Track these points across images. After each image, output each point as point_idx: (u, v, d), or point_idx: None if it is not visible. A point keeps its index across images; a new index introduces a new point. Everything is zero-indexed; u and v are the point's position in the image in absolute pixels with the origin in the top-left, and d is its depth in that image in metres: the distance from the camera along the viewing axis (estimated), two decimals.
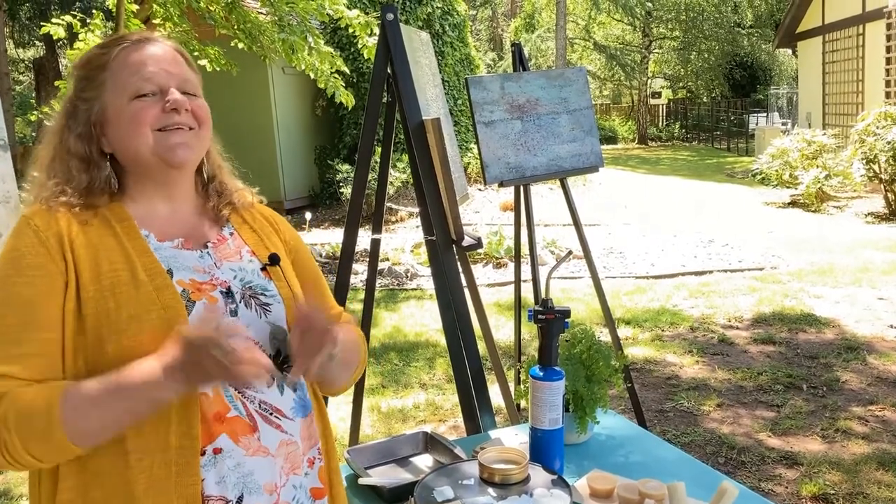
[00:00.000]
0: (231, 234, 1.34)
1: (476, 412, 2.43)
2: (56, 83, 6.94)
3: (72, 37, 6.55)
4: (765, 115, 21.65)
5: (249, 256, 1.32)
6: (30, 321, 1.13)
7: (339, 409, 4.04)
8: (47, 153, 1.26)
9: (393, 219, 10.41)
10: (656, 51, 28.26)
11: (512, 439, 1.92)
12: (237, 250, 1.32)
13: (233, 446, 1.17)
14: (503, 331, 5.53)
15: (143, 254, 1.20)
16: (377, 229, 2.95)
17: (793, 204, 11.18)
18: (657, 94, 30.66)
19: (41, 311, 1.14)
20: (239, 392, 1.20)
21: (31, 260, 1.15)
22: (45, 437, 1.08)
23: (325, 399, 1.44)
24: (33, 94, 19.23)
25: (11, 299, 1.14)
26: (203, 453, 1.15)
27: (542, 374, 1.65)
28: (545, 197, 11.65)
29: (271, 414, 1.22)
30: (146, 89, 1.22)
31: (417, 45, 2.88)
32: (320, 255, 8.24)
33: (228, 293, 1.24)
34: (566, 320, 1.67)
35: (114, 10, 6.29)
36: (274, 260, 1.31)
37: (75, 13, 6.66)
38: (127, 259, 1.18)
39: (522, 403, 3.47)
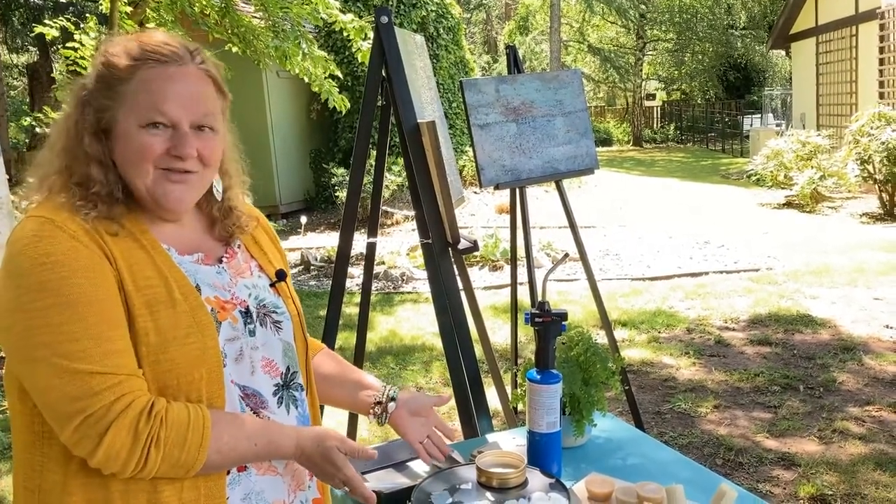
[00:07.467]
0: (239, 246, 1.32)
1: (473, 416, 2.42)
2: (53, 84, 6.92)
3: (65, 40, 6.53)
4: (759, 116, 21.76)
5: (258, 272, 1.32)
6: (109, 317, 1.07)
7: (336, 412, 4.02)
8: (61, 145, 1.17)
9: (388, 222, 10.40)
10: (650, 53, 28.33)
11: (509, 443, 1.91)
12: (247, 265, 1.31)
13: (247, 466, 1.20)
14: (500, 334, 5.52)
15: (172, 269, 1.16)
16: (373, 233, 2.95)
17: (788, 205, 11.21)
18: (652, 96, 30.73)
19: (114, 308, 1.08)
20: (254, 412, 1.21)
21: (83, 262, 1.07)
22: (186, 467, 1.09)
23: (322, 409, 1.49)
24: (27, 100, 19.18)
25: (81, 298, 1.05)
26: (227, 472, 1.17)
27: (539, 377, 1.64)
28: (541, 199, 11.64)
29: None
30: (158, 120, 1.14)
31: (412, 47, 2.88)
32: (315, 259, 8.22)
33: (247, 312, 1.24)
34: (563, 323, 1.66)
35: (108, 13, 6.27)
36: (280, 276, 1.33)
37: (69, 16, 6.64)
38: (160, 274, 1.14)
39: (519, 407, 3.46)
